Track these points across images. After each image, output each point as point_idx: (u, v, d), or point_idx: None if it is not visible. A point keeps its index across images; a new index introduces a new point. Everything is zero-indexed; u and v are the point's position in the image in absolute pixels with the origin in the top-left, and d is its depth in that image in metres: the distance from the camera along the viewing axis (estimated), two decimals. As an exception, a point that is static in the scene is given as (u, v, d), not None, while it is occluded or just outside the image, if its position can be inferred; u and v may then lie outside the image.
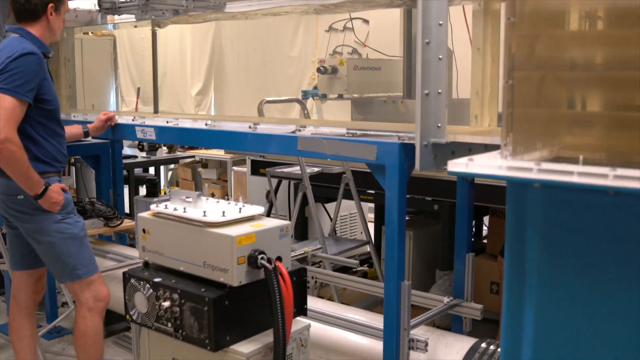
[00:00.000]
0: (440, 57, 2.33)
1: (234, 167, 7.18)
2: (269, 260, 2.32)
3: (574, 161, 1.43)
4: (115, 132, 3.55)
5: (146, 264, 2.66)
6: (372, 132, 2.68)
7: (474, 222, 4.03)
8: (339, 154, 2.66)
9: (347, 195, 4.22)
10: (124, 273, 2.60)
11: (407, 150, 2.45)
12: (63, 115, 4.00)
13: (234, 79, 8.10)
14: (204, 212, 2.49)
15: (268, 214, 4.89)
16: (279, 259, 2.39)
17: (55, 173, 2.93)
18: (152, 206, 2.66)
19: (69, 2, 2.97)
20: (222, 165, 7.96)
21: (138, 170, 6.98)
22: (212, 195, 8.48)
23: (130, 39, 9.11)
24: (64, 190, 2.92)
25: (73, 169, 5.89)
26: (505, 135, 1.68)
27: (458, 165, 1.67)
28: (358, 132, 2.66)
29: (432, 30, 2.31)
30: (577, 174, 1.37)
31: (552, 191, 1.61)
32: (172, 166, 9.06)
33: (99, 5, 3.68)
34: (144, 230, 2.66)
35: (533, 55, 1.71)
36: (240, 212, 2.53)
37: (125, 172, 6.36)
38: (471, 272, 2.97)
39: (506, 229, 1.71)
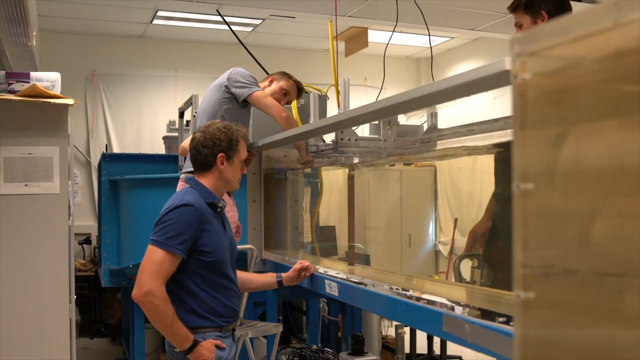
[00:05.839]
0: None
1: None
2: None
3: None
4: (313, 284, 3.30)
5: None
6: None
7: None
8: (479, 344, 1.97)
9: None
10: None
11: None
12: (287, 257, 3.93)
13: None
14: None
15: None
16: None
17: (214, 328, 2.76)
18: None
19: (245, 150, 2.90)
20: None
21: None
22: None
23: (449, 169, 9.01)
24: (219, 347, 2.76)
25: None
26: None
27: None
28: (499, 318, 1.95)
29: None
30: None
31: None
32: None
33: (306, 149, 3.68)
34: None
35: None
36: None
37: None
38: None
39: None
